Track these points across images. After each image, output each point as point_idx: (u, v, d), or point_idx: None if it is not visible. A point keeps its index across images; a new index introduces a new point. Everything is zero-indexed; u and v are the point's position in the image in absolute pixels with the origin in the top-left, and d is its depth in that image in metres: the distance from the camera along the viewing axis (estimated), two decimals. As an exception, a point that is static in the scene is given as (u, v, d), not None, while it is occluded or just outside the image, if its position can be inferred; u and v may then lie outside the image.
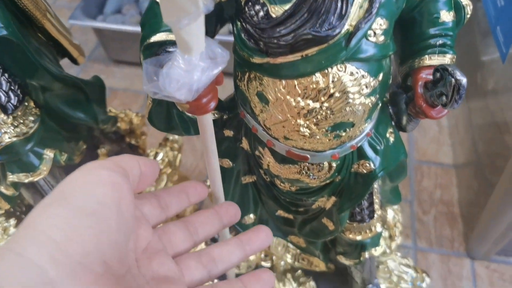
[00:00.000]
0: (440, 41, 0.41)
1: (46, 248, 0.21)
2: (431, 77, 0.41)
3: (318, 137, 0.39)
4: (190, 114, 0.42)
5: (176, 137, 0.79)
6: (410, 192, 0.93)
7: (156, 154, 0.76)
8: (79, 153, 0.63)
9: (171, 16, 0.29)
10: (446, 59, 0.41)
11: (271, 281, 0.32)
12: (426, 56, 0.41)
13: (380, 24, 0.35)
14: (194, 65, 0.32)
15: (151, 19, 0.39)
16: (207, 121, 0.38)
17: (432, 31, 0.41)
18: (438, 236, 0.87)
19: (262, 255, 0.68)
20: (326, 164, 0.43)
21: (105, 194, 0.24)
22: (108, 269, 0.23)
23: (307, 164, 0.43)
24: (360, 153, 0.44)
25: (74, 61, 0.64)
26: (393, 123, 0.46)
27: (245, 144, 0.47)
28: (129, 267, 0.27)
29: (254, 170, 0.51)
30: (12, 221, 0.66)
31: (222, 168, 0.49)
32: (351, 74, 0.35)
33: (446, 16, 0.40)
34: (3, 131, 0.49)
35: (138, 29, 1.13)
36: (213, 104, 0.36)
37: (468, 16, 0.44)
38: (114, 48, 1.19)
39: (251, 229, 0.34)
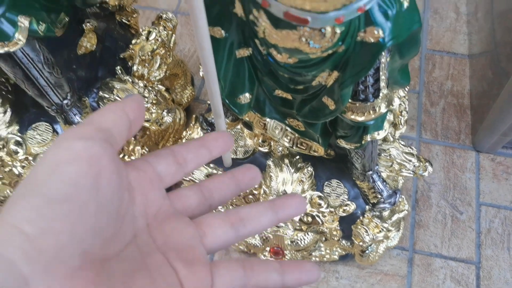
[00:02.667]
0: None
1: (18, 243, 0.19)
2: None
3: (320, -9, 0.33)
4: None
5: (170, 15, 0.73)
6: (419, 83, 0.89)
7: (149, 33, 0.70)
8: (61, 26, 0.57)
9: None
10: None
11: (302, 206, 0.30)
12: None
13: None
14: None
15: None
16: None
17: None
18: (445, 128, 0.84)
19: (260, 140, 0.66)
20: (328, 29, 0.38)
21: (79, 173, 0.21)
22: (88, 258, 0.21)
23: (307, 29, 0.38)
24: (368, 18, 0.38)
25: None
26: (408, -13, 0.40)
27: (238, 8, 0.42)
28: (135, 235, 0.25)
29: (249, 42, 0.46)
30: (-3, 100, 0.63)
31: (213, 39, 0.44)
32: None
33: None
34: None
35: None
36: None
37: None
38: None
39: (285, 196, 0.30)
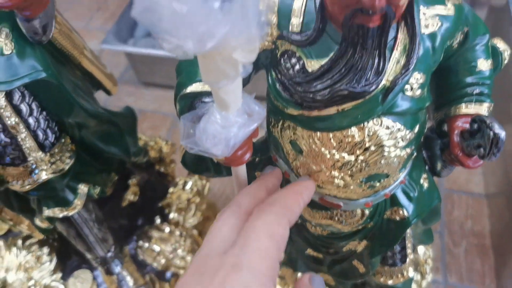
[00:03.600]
0: (477, 90, 0.40)
1: None
2: (467, 125, 0.40)
3: (352, 187, 0.39)
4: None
5: (205, 165, 0.80)
6: (441, 223, 0.92)
7: (185, 183, 0.76)
8: (111, 184, 0.64)
9: (210, 78, 0.29)
10: (483, 108, 0.40)
11: None
12: (463, 104, 0.40)
13: (417, 78, 0.35)
14: (231, 121, 0.32)
15: (188, 67, 0.40)
16: (241, 170, 0.39)
17: (469, 79, 0.40)
18: (469, 269, 0.85)
19: (290, 289, 0.68)
20: (359, 211, 0.43)
21: None
22: None
23: (340, 211, 0.43)
24: (393, 200, 0.43)
25: (107, 92, 0.66)
26: (427, 168, 0.46)
27: (276, 186, 0.47)
28: None
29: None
30: (46, 249, 0.67)
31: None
32: (387, 128, 0.35)
33: (484, 65, 0.40)
34: (40, 168, 0.51)
35: (168, 53, 1.16)
36: (247, 156, 0.36)
37: (506, 61, 0.43)
38: (144, 70, 1.22)
39: None
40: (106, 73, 0.64)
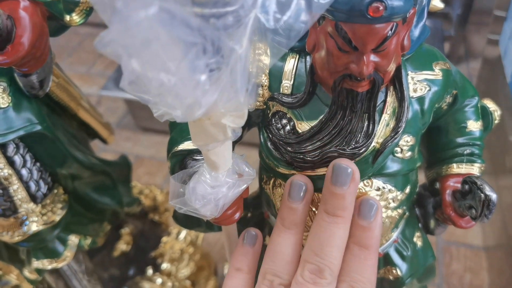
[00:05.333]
0: (468, 150, 0.40)
1: None
2: (459, 185, 0.40)
3: (343, 247, 0.38)
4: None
5: (199, 214, 0.79)
6: (439, 275, 0.90)
7: (179, 232, 0.75)
8: (103, 234, 0.63)
9: (199, 140, 0.29)
10: (475, 168, 0.40)
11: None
12: (454, 164, 0.41)
13: (407, 140, 0.35)
14: (221, 181, 0.32)
15: (180, 124, 0.40)
16: (231, 228, 0.38)
17: (459, 140, 0.41)
18: (470, 326, 0.82)
19: None
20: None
21: None
22: None
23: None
24: (386, 259, 0.43)
25: (103, 141, 0.66)
26: (420, 226, 0.45)
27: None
28: None
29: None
30: (33, 301, 0.66)
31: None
32: (378, 189, 0.35)
33: (474, 126, 0.40)
34: (31, 219, 0.50)
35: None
36: (237, 215, 0.36)
37: (496, 121, 0.44)
38: (142, 116, 1.23)
39: None
40: (102, 122, 0.65)
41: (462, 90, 0.39)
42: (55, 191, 0.53)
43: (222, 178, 0.32)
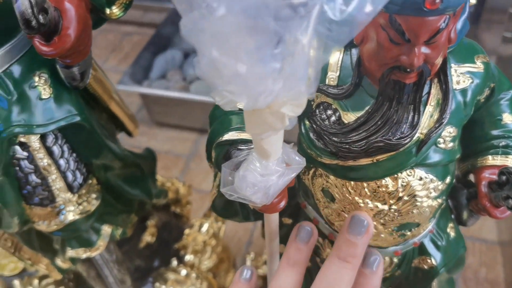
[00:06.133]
0: (503, 143, 0.41)
1: None
2: (495, 177, 0.41)
3: (383, 235, 0.39)
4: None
5: (221, 207, 0.80)
6: (454, 270, 0.91)
7: (201, 225, 0.76)
8: (131, 225, 0.64)
9: (255, 129, 0.30)
10: (509, 160, 0.41)
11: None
12: (489, 156, 0.41)
13: (449, 131, 0.36)
14: (271, 170, 0.33)
15: (222, 115, 0.41)
16: (274, 217, 0.39)
17: (494, 132, 0.41)
18: (485, 319, 0.83)
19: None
20: (387, 259, 0.43)
21: None
22: None
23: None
24: (421, 249, 0.44)
25: (129, 133, 0.67)
26: (453, 217, 0.46)
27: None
28: None
29: (311, 258, 0.51)
30: (61, 290, 0.67)
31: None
32: (420, 179, 0.36)
33: (509, 118, 0.41)
34: (67, 209, 0.51)
35: (181, 94, 1.18)
36: (283, 204, 0.37)
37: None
38: (157, 111, 1.24)
39: None
40: (129, 115, 0.66)
41: (498, 83, 0.40)
42: (90, 181, 0.54)
43: (272, 167, 0.33)
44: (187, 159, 1.17)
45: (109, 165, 0.55)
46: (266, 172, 0.33)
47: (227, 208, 0.45)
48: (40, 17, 0.37)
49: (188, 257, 0.74)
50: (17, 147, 0.46)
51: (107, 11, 0.46)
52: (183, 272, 0.71)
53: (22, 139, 0.46)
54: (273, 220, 0.40)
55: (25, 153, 0.47)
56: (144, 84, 1.23)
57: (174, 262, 0.72)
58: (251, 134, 0.31)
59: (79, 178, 0.52)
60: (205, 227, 0.77)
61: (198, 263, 0.74)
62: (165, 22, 1.42)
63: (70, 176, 0.51)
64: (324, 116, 0.37)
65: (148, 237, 0.70)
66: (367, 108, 0.35)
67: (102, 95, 0.55)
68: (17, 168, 0.48)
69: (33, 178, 0.49)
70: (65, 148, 0.50)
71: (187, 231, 0.76)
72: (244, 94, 0.25)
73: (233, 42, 0.22)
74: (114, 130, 0.63)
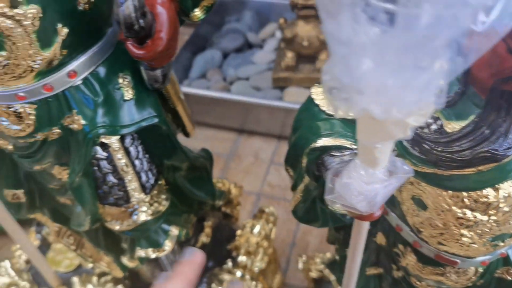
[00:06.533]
0: None
1: None
2: None
3: (476, 246, 0.39)
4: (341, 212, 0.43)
5: (272, 209, 0.80)
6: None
7: (253, 226, 0.77)
8: (191, 225, 0.64)
9: (371, 137, 0.30)
10: None
11: None
12: None
13: (555, 142, 0.35)
14: (377, 178, 0.33)
15: (309, 121, 0.41)
16: (365, 225, 0.39)
17: None
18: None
19: None
20: (472, 268, 0.43)
21: None
22: None
23: (454, 268, 0.43)
24: (506, 260, 0.43)
25: (186, 134, 0.67)
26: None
27: (380, 238, 0.48)
28: None
29: (384, 263, 0.51)
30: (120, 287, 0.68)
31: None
32: (521, 190, 0.36)
33: None
34: (140, 209, 0.52)
35: (221, 94, 1.19)
36: (379, 212, 0.37)
37: None
38: (197, 110, 1.24)
39: None
40: (189, 115, 0.66)
41: None
42: (160, 182, 0.54)
43: (379, 175, 0.33)
44: (227, 158, 1.17)
45: (177, 166, 0.56)
46: (372, 180, 0.33)
47: (309, 213, 0.45)
48: (141, 21, 0.37)
49: (241, 258, 0.74)
50: (98, 148, 0.47)
51: (190, 13, 0.46)
52: (238, 273, 0.71)
53: (103, 140, 0.47)
54: (364, 227, 0.39)
55: (105, 154, 0.47)
56: (184, 83, 1.24)
57: (229, 263, 0.72)
58: (364, 142, 0.31)
59: (151, 179, 0.53)
60: (257, 228, 0.77)
61: (251, 265, 0.74)
62: (203, 22, 1.42)
63: (143, 176, 0.51)
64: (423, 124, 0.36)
65: (204, 238, 0.71)
66: (471, 117, 0.34)
67: (172, 96, 0.55)
68: (96, 168, 0.48)
69: (111, 178, 0.49)
70: (140, 148, 0.51)
71: (239, 232, 0.77)
72: (380, 104, 0.25)
73: (393, 54, 0.22)
74: (175, 130, 0.64)
